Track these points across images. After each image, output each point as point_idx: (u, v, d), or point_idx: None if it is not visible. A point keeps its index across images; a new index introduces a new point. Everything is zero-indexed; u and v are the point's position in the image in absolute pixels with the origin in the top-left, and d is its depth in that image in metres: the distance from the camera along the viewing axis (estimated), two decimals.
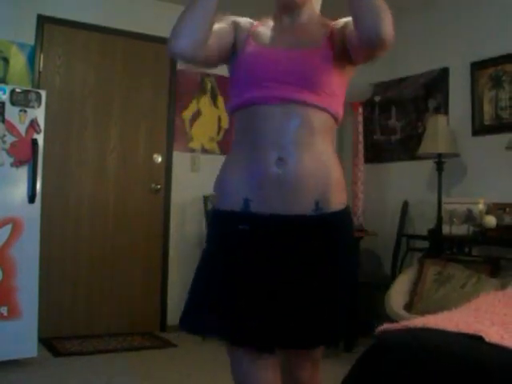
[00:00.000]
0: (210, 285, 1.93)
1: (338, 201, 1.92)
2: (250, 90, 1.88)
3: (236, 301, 1.83)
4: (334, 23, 2.03)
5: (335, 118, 1.95)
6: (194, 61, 1.92)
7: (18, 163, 4.08)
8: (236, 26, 2.05)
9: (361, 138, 5.53)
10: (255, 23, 2.09)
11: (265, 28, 2.05)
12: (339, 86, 1.96)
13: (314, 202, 1.84)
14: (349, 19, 1.87)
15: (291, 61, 1.88)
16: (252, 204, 1.84)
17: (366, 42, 1.74)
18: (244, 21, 2.09)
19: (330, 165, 1.91)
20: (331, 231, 1.91)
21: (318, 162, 1.87)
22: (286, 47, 1.93)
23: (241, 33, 2.02)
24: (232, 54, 2.00)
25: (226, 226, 1.90)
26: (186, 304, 2.14)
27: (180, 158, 5.66)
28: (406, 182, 5.48)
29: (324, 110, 1.89)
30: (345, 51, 1.91)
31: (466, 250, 4.62)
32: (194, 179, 5.71)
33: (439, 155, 4.81)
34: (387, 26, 1.68)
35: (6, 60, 4.77)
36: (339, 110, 1.96)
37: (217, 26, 1.93)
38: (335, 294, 1.93)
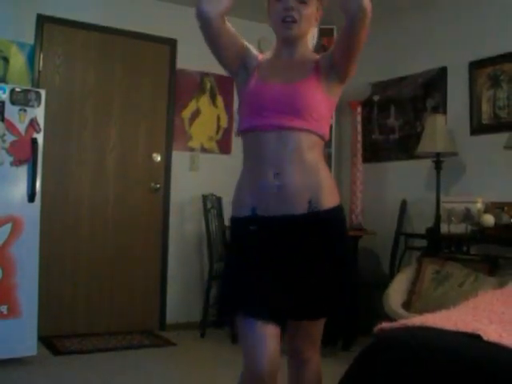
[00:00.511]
0: (233, 275, 2.35)
1: (329, 200, 2.30)
2: (253, 119, 2.30)
3: (251, 284, 2.25)
4: (320, 55, 2.44)
5: (322, 137, 2.34)
6: (210, 25, 2.25)
7: (17, 162, 4.09)
8: (247, 49, 2.47)
9: (359, 137, 5.54)
10: (260, 56, 2.49)
11: (266, 63, 2.45)
12: (327, 109, 2.36)
13: (307, 202, 2.24)
14: (332, 48, 2.39)
15: (284, 94, 2.29)
16: (258, 210, 2.28)
17: (352, 17, 2.16)
18: (254, 51, 2.50)
19: (319, 173, 2.30)
20: (325, 224, 2.29)
21: (308, 172, 2.26)
22: (281, 82, 2.33)
23: (250, 59, 2.46)
24: (243, 71, 2.44)
25: (241, 228, 2.35)
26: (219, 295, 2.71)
27: (179, 157, 5.67)
28: (404, 181, 5.49)
29: (312, 132, 2.28)
30: (331, 74, 2.36)
31: (465, 248, 4.63)
32: (194, 178, 5.73)
33: (437, 154, 4.82)
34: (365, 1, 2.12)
35: (5, 59, 4.78)
36: (326, 131, 2.35)
37: (236, 34, 2.40)
38: (332, 274, 2.31)
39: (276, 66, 2.42)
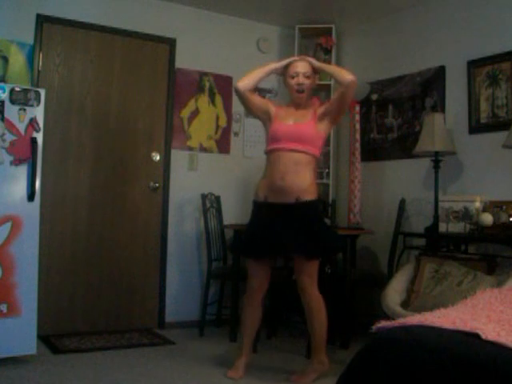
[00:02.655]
0: (247, 234, 4.14)
1: (308, 197, 3.87)
2: (272, 144, 3.96)
3: (259, 236, 3.96)
4: (318, 106, 4.04)
5: (313, 155, 3.92)
6: (242, 95, 4.00)
7: (17, 161, 4.09)
8: (268, 104, 4.15)
9: (358, 136, 5.54)
10: (277, 107, 4.10)
11: (282, 111, 4.06)
12: (319, 138, 3.98)
13: (295, 198, 3.85)
14: (325, 103, 4.07)
15: (293, 130, 3.92)
16: (268, 198, 3.93)
17: (344, 85, 3.88)
18: (272, 103, 4.17)
19: (306, 181, 3.87)
20: (305, 208, 3.87)
21: (300, 179, 3.85)
22: (292, 123, 3.96)
23: (271, 108, 4.09)
24: (266, 118, 4.09)
25: (257, 208, 4.04)
26: (234, 240, 4.92)
27: (178, 157, 5.68)
28: (402, 180, 5.51)
29: (307, 153, 3.88)
30: (323, 120, 3.97)
31: (463, 247, 4.64)
32: (192, 177, 5.74)
33: (436, 153, 4.83)
34: (344, 75, 3.92)
35: (5, 59, 4.78)
36: (317, 152, 3.95)
37: (259, 100, 4.17)
38: (311, 232, 3.89)
39: (288, 113, 4.02)
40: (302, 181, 3.85)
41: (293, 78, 3.97)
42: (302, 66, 3.99)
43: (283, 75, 4.07)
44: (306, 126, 3.93)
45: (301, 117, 3.98)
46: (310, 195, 3.89)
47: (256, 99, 4.09)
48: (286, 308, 5.45)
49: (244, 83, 3.97)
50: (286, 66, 4.03)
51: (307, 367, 4.04)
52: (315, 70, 4.06)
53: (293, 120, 3.96)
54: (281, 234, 3.86)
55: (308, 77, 3.98)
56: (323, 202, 5.15)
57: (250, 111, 4.20)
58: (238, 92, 3.99)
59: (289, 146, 3.84)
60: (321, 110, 4.00)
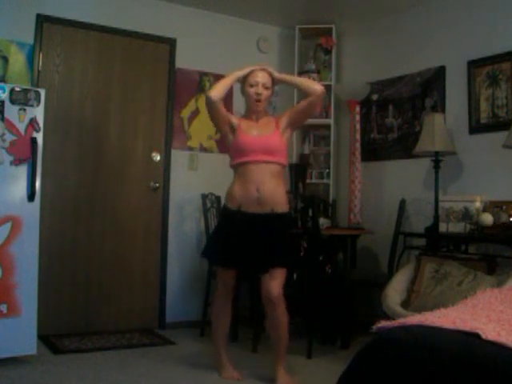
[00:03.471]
0: (218, 240, 4.04)
1: (282, 209, 3.92)
2: (243, 157, 3.88)
3: (228, 248, 3.92)
4: (277, 117, 4.06)
5: (282, 164, 3.95)
6: (215, 105, 3.88)
7: (17, 162, 4.09)
8: (229, 115, 4.06)
9: (358, 136, 5.54)
10: (238, 119, 4.04)
11: (243, 123, 3.99)
12: (284, 146, 3.97)
13: (270, 208, 3.87)
14: (288, 113, 4.06)
15: (262, 142, 3.88)
16: (242, 207, 3.89)
17: (312, 96, 3.89)
18: (234, 118, 4.05)
19: (281, 192, 3.93)
20: (278, 219, 3.89)
21: (273, 190, 3.86)
22: (256, 135, 3.92)
23: (233, 120, 4.02)
24: (230, 130, 4.01)
25: (230, 215, 3.96)
26: (206, 245, 4.31)
27: (178, 157, 5.68)
28: (403, 180, 5.51)
29: (275, 162, 3.88)
30: (286, 129, 3.99)
31: (463, 247, 4.64)
32: (193, 177, 5.74)
33: (436, 153, 4.83)
34: (315, 85, 3.95)
35: (5, 59, 4.79)
36: (285, 161, 3.97)
37: (225, 111, 4.02)
38: (276, 244, 3.86)
39: (250, 125, 3.98)
40: (277, 192, 3.88)
41: (252, 86, 3.93)
42: (261, 76, 3.94)
43: (242, 83, 4.00)
44: (273, 138, 3.91)
45: (264, 128, 3.96)
46: (284, 207, 3.94)
47: (223, 110, 3.98)
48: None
49: (217, 93, 3.87)
50: (247, 74, 3.96)
51: (280, 380, 3.91)
52: (275, 82, 4.02)
53: (257, 131, 3.94)
54: (254, 246, 3.83)
55: (267, 88, 3.95)
56: (292, 215, 5.08)
57: (216, 122, 4.07)
58: (210, 102, 3.88)
59: (261, 157, 3.83)
60: (283, 120, 4.00)
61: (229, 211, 3.96)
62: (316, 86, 3.92)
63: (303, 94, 4.03)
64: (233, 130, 3.99)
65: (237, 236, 3.89)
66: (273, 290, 3.83)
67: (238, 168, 3.93)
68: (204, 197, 5.49)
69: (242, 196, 3.87)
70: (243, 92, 4.01)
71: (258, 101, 3.93)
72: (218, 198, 5.59)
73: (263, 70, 4.00)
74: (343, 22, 6.05)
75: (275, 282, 3.84)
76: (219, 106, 3.91)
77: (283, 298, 3.89)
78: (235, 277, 4.07)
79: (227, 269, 4.02)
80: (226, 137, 4.05)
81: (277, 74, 4.02)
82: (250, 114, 4.03)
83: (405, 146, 5.47)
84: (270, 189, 3.83)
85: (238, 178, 3.94)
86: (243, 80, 3.98)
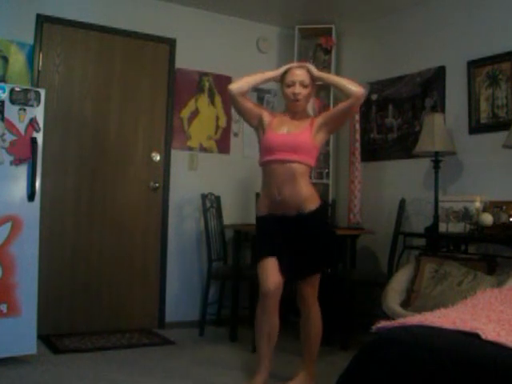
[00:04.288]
0: (261, 240, 3.90)
1: (310, 206, 3.68)
2: (267, 155, 3.71)
3: (267, 246, 3.77)
4: (314, 117, 3.81)
5: (308, 165, 3.70)
6: (234, 98, 3.79)
7: (17, 161, 4.09)
8: (262, 111, 3.91)
9: (358, 136, 5.54)
10: (271, 116, 3.86)
11: (276, 120, 3.81)
12: (314, 148, 3.73)
13: (297, 210, 3.67)
14: (324, 114, 3.83)
15: (288, 140, 3.67)
16: (270, 211, 3.74)
17: (351, 98, 3.62)
18: (267, 112, 3.93)
19: (304, 191, 3.67)
20: (307, 220, 3.68)
21: (298, 191, 3.65)
22: (286, 133, 3.72)
23: (265, 116, 3.84)
24: (258, 125, 3.86)
25: (262, 221, 3.84)
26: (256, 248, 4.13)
27: (178, 157, 5.69)
28: (402, 180, 5.50)
29: (302, 163, 3.66)
30: (319, 131, 3.73)
31: (463, 247, 4.63)
32: (193, 178, 5.74)
33: (436, 153, 4.83)
34: (355, 87, 3.62)
35: (5, 59, 4.79)
36: (312, 162, 3.73)
37: (252, 105, 3.94)
38: (311, 250, 3.72)
39: (283, 122, 3.79)
40: (299, 192, 3.64)
41: (289, 86, 3.73)
42: (299, 75, 3.72)
43: (280, 82, 3.82)
44: (301, 135, 3.68)
45: (296, 126, 3.74)
46: (311, 204, 3.68)
47: (248, 104, 3.86)
48: (286, 308, 5.45)
49: (237, 86, 3.76)
50: (284, 73, 3.78)
51: (296, 380, 3.86)
52: (314, 78, 3.78)
53: (287, 129, 3.74)
54: (290, 249, 3.69)
55: (305, 86, 3.72)
56: (327, 205, 5.06)
57: (241, 115, 4.00)
58: (230, 94, 3.79)
59: (283, 156, 3.63)
60: (319, 120, 3.76)
61: (260, 219, 3.84)
62: (355, 88, 3.62)
63: (343, 94, 3.74)
64: (263, 126, 3.83)
65: (273, 235, 3.74)
66: (311, 298, 3.81)
67: (264, 168, 3.78)
68: (204, 197, 5.49)
69: (268, 200, 3.73)
70: (282, 92, 3.83)
71: (296, 100, 3.72)
72: (217, 198, 5.59)
73: (301, 67, 3.81)
74: (343, 22, 6.05)
75: (313, 290, 3.81)
76: (240, 99, 3.79)
77: (317, 300, 3.87)
78: (279, 275, 3.69)
79: (270, 258, 3.70)
80: (257, 132, 3.91)
81: (315, 71, 3.77)
82: (288, 112, 3.84)
83: (405, 146, 5.47)
84: (290, 190, 3.62)
85: (263, 179, 3.82)
86: (281, 79, 3.80)
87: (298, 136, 3.68)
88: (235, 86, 3.77)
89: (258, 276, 3.74)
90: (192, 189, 5.65)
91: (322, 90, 5.87)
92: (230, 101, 3.95)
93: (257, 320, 3.79)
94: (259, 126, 3.85)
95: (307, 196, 3.68)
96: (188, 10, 5.76)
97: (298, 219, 3.66)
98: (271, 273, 3.67)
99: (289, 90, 3.72)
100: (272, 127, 3.77)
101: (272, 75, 3.84)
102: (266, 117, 3.84)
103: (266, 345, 3.76)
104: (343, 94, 3.70)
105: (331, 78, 4.03)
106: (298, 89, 3.69)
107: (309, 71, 3.75)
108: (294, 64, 3.89)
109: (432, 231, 4.82)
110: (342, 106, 3.72)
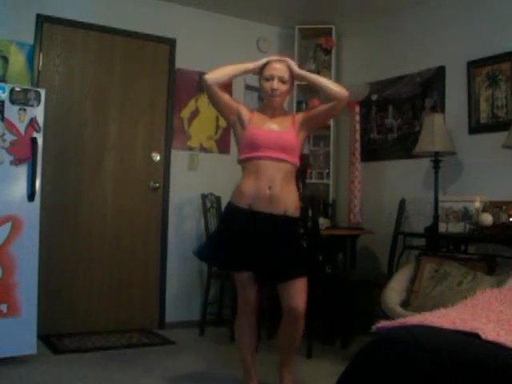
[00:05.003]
0: (220, 240, 3.61)
1: (294, 213, 3.55)
2: (254, 151, 3.49)
3: (238, 250, 3.48)
4: (295, 114, 3.75)
5: (295, 165, 3.57)
6: (211, 89, 3.52)
7: (17, 161, 4.09)
8: (240, 107, 3.64)
9: (358, 136, 5.55)
10: (250, 112, 3.63)
11: (256, 116, 3.60)
12: (298, 147, 3.59)
13: (283, 210, 3.48)
14: (305, 113, 3.70)
15: (274, 137, 3.51)
16: (253, 206, 3.47)
17: (334, 100, 3.51)
18: (245, 107, 3.66)
19: (292, 193, 3.56)
20: (290, 223, 3.55)
21: (286, 190, 3.50)
22: (269, 129, 3.54)
23: (244, 112, 3.61)
24: (236, 120, 3.62)
25: (238, 213, 3.52)
26: (204, 244, 4.18)
27: (178, 157, 5.69)
28: (402, 180, 5.51)
29: (289, 162, 3.51)
30: (302, 128, 3.60)
31: (463, 247, 4.64)
32: (193, 178, 5.74)
33: (436, 153, 4.83)
34: (339, 89, 3.50)
35: (5, 59, 4.79)
36: (298, 162, 3.58)
37: (229, 98, 3.66)
38: (296, 251, 3.59)
39: (264, 119, 3.60)
40: (290, 193, 3.52)
41: (267, 80, 3.50)
42: (278, 69, 3.50)
43: (259, 75, 3.57)
44: (287, 134, 3.53)
45: (278, 123, 3.57)
46: (295, 211, 3.54)
47: (225, 97, 3.58)
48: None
49: (215, 76, 3.49)
50: (263, 66, 3.53)
51: (284, 381, 3.69)
52: (294, 76, 3.57)
53: (271, 126, 3.55)
54: (270, 250, 3.44)
55: (284, 82, 3.49)
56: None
57: (218, 109, 3.68)
58: (206, 85, 3.50)
59: (274, 154, 3.44)
60: (300, 119, 3.61)
61: (237, 209, 3.51)
62: (339, 90, 3.48)
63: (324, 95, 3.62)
64: (241, 122, 3.58)
65: (248, 236, 3.47)
66: (300, 305, 3.48)
67: (248, 163, 3.52)
68: (204, 197, 5.49)
69: (253, 193, 3.45)
70: (260, 85, 3.60)
71: (273, 96, 3.50)
72: (217, 198, 5.59)
73: (281, 61, 3.56)
74: (343, 22, 6.05)
75: (302, 296, 3.50)
76: (217, 91, 3.52)
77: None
78: (256, 287, 3.58)
79: (241, 271, 3.54)
80: (234, 128, 3.66)
81: (297, 69, 3.56)
82: (265, 108, 3.64)
83: (405, 146, 5.47)
84: (283, 188, 3.45)
85: (248, 174, 3.53)
86: (260, 72, 3.55)
87: (286, 135, 3.53)
88: (212, 76, 3.50)
89: (236, 287, 3.68)
90: (192, 189, 5.65)
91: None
92: (206, 93, 3.62)
93: (237, 333, 3.77)
94: (237, 122, 3.62)
95: (294, 200, 3.56)
96: (188, 10, 5.76)
97: (283, 221, 3.48)
98: (249, 289, 3.57)
99: (267, 85, 3.51)
100: (253, 123, 3.56)
101: (251, 67, 3.58)
102: (245, 111, 3.62)
103: (250, 355, 3.70)
104: (326, 95, 3.56)
105: (314, 77, 3.70)
106: (275, 84, 3.48)
107: (289, 67, 3.54)
108: (274, 57, 3.63)
109: (432, 231, 4.82)
110: (324, 107, 3.60)
